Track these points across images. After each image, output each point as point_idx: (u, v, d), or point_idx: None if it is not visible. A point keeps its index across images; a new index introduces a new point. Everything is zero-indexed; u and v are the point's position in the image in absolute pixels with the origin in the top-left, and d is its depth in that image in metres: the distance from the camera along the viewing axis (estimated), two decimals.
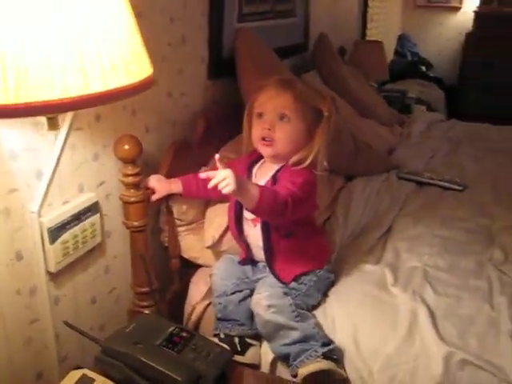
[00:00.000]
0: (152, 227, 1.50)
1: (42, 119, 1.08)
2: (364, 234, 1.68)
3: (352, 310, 1.33)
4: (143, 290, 1.40)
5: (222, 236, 1.46)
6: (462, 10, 5.30)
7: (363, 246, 1.60)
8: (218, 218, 1.47)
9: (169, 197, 1.45)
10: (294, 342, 1.25)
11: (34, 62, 0.61)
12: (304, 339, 1.24)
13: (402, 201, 1.89)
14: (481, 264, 1.50)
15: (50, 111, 0.63)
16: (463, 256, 1.54)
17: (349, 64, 3.19)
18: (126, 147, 1.26)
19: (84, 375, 1.07)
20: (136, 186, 1.31)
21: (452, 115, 4.00)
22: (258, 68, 1.81)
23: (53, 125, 0.79)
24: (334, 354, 1.23)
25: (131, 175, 1.29)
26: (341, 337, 1.28)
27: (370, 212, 1.78)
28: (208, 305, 1.44)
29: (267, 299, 1.27)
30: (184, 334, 1.13)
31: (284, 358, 1.29)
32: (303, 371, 1.20)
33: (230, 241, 1.46)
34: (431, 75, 4.78)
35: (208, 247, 1.48)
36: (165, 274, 1.54)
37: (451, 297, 1.36)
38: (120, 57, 0.67)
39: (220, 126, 1.69)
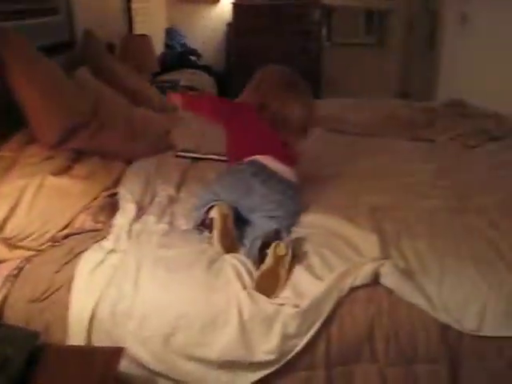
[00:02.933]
0: None
1: None
2: None
3: None
4: None
5: None
6: (221, 3, 5.73)
7: None
8: None
9: None
10: None
11: None
12: None
13: (180, 175, 2.11)
14: None
15: None
16: None
17: (119, 58, 3.32)
18: None
19: None
20: None
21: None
22: (26, 68, 1.87)
23: None
24: None
25: None
26: None
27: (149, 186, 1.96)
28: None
29: None
30: None
31: None
32: None
33: None
34: (201, 64, 5.12)
35: None
36: None
37: None
38: None
39: None
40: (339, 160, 2.31)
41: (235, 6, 5.31)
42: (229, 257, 1.54)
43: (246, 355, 1.42)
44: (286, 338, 1.41)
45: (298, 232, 1.70)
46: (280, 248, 1.48)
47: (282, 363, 1.42)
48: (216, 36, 5.78)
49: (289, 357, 1.42)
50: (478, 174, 2.17)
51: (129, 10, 4.06)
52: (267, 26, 5.28)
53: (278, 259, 1.47)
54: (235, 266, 1.50)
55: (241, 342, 1.42)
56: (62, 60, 2.55)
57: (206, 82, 4.65)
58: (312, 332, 1.41)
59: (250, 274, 1.50)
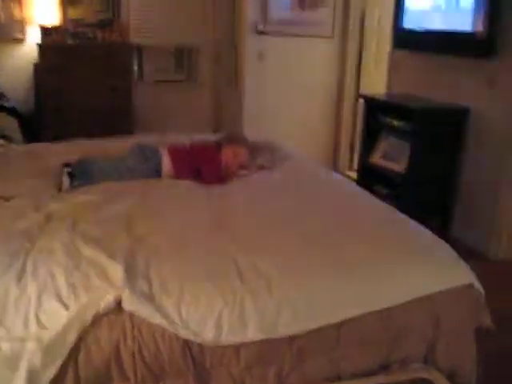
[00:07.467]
0: None
1: None
2: None
3: None
4: None
5: None
6: (27, 42, 5.63)
7: None
8: None
9: None
10: None
11: None
12: None
13: None
14: None
15: None
16: None
17: None
18: None
19: None
20: None
21: (33, 140, 4.33)
22: None
23: None
24: None
25: None
26: None
27: None
28: None
29: None
30: None
31: None
32: None
33: None
34: (5, 105, 4.98)
35: None
36: None
37: None
38: None
39: None
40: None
41: (40, 46, 5.26)
42: None
43: None
44: (32, 373, 1.47)
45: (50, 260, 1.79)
46: None
47: None
48: (24, 76, 5.66)
49: None
50: (238, 199, 2.44)
51: None
52: (75, 66, 5.30)
53: None
54: None
55: None
56: None
57: (8, 124, 4.54)
58: (58, 363, 1.49)
59: None
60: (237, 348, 1.66)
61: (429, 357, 1.90)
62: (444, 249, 2.07)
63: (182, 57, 6.21)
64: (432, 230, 2.23)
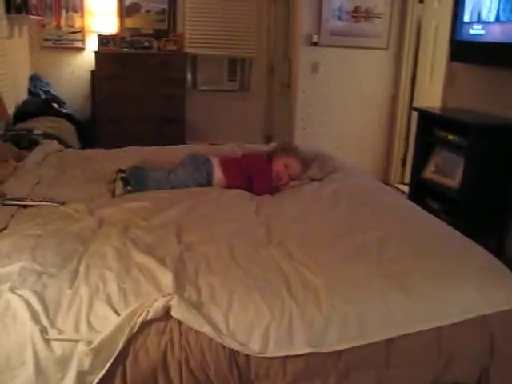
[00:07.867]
0: None
1: None
2: None
3: None
4: None
5: None
6: (86, 51, 5.82)
7: None
8: None
9: None
10: None
11: None
12: None
13: (7, 222, 2.15)
14: None
15: None
16: None
17: None
18: None
19: None
20: None
21: (88, 146, 4.44)
22: None
23: None
24: None
25: None
26: None
27: None
28: None
29: None
30: None
31: None
32: None
33: None
34: (64, 111, 5.15)
35: None
36: None
37: None
38: None
39: None
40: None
41: (97, 54, 5.42)
42: (25, 293, 1.62)
43: None
44: (81, 374, 1.49)
45: (102, 265, 1.82)
46: None
47: None
48: (81, 83, 5.85)
49: None
50: (289, 210, 2.41)
51: None
52: (131, 74, 5.45)
53: None
54: (30, 304, 1.58)
55: (38, 381, 1.48)
56: None
57: (66, 130, 4.69)
58: (106, 367, 1.51)
59: (45, 309, 1.58)
60: (284, 361, 1.63)
61: (482, 382, 1.82)
62: (500, 269, 1.99)
63: (235, 66, 6.27)
64: (486, 247, 2.16)
